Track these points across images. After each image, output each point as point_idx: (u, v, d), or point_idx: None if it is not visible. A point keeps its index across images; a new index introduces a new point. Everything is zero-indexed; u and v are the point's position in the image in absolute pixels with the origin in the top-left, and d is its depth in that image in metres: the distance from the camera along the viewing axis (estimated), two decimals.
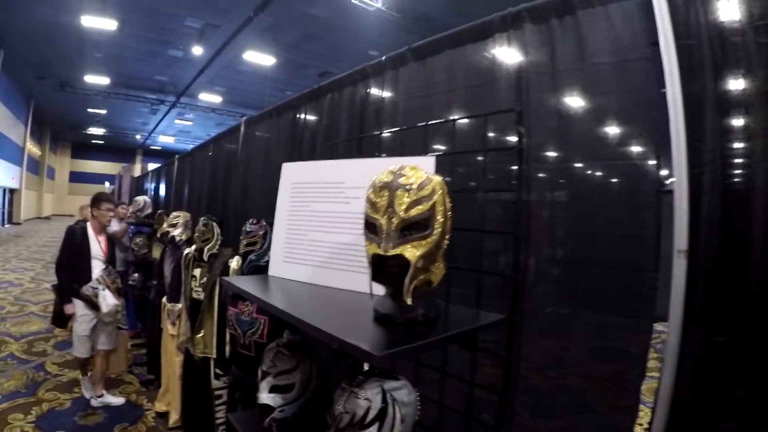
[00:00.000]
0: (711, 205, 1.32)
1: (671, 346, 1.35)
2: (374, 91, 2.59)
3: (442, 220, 1.11)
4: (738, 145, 1.30)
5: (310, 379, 1.60)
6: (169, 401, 3.91)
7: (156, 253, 4.68)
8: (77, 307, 3.88)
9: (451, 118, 1.60)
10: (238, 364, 2.36)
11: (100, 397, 4.05)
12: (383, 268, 1.11)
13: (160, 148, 20.17)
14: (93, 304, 3.88)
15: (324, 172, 1.68)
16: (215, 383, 2.94)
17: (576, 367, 1.67)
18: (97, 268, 3.96)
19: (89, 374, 4.18)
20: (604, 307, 1.61)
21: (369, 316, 1.23)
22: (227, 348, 2.90)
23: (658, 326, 1.54)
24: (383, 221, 1.07)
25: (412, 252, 1.06)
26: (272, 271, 1.72)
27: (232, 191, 4.24)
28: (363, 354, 1.02)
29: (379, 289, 1.23)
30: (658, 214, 1.45)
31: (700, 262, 1.33)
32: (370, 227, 1.12)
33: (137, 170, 16.54)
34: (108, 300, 3.92)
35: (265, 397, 1.54)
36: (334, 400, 1.27)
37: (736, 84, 1.30)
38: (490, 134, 1.65)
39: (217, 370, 2.93)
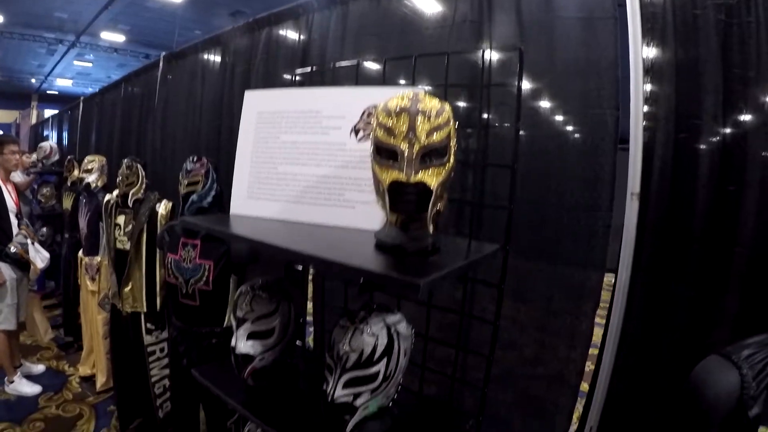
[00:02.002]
0: (662, 156, 1.49)
1: (621, 281, 1.51)
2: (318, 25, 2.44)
3: (454, 149, 1.07)
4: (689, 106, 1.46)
5: (289, 322, 1.44)
6: (94, 363, 3.61)
7: (66, 203, 4.20)
8: (5, 273, 3.34)
9: (447, 51, 1.47)
10: (180, 316, 2.13)
11: (12, 383, 3.57)
12: (402, 196, 1.02)
13: (57, 92, 18.43)
14: (23, 264, 3.40)
15: (296, 101, 1.49)
16: (147, 339, 2.69)
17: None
18: (14, 222, 3.45)
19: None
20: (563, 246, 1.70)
21: (369, 249, 1.12)
22: (158, 301, 2.67)
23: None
24: (404, 147, 1.00)
25: (432, 179, 1.00)
26: (234, 209, 1.51)
27: (150, 134, 3.85)
28: (404, 283, 0.92)
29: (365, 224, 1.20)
30: (614, 162, 1.57)
31: (651, 204, 1.50)
32: (387, 153, 1.03)
33: (33, 117, 15.02)
34: (42, 254, 3.48)
35: (243, 345, 1.37)
36: (335, 339, 1.20)
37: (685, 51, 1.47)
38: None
39: (149, 325, 2.69)
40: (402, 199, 1.02)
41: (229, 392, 1.48)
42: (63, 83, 17.42)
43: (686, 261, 1.47)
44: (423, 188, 0.99)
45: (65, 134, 7.02)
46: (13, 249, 3.33)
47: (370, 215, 1.27)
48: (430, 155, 1.01)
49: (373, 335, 1.17)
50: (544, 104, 1.78)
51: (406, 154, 0.99)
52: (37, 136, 9.93)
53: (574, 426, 1.73)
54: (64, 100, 9.08)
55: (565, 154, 1.71)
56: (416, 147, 0.99)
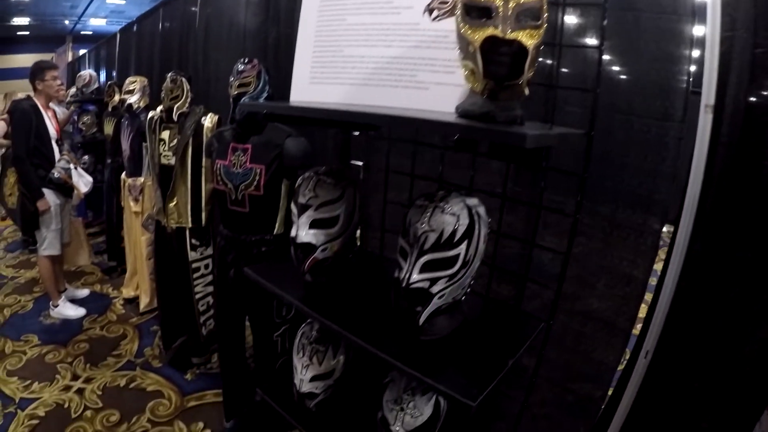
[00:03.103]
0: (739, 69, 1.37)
1: (691, 196, 1.40)
2: None
3: (546, 14, 0.94)
4: None
5: (354, 211, 1.34)
6: (138, 285, 3.65)
7: (108, 129, 4.18)
8: (48, 199, 3.32)
9: None
10: (228, 224, 2.08)
11: (57, 307, 3.65)
12: (496, 56, 0.90)
13: (91, 32, 18.30)
14: (66, 189, 3.39)
15: None
16: (192, 255, 2.67)
17: None
18: (56, 148, 3.42)
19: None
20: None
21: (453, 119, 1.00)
22: (203, 216, 2.63)
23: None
24: (499, 2, 0.89)
25: (527, 39, 0.88)
26: (296, 95, 1.40)
27: (191, 52, 3.74)
28: (509, 135, 0.85)
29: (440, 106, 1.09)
30: (689, 70, 1.47)
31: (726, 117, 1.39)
32: (478, 12, 0.91)
33: (69, 55, 15.07)
34: (85, 178, 3.45)
35: (305, 234, 1.28)
36: (411, 220, 1.10)
37: None
38: None
39: (194, 241, 2.66)
40: (495, 60, 0.90)
41: (285, 288, 1.42)
42: (97, 23, 17.30)
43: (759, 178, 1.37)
44: (518, 48, 0.87)
45: (103, 68, 6.97)
46: (56, 174, 3.31)
47: (445, 97, 1.15)
48: (525, 14, 0.89)
49: (454, 215, 1.07)
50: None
51: (501, 10, 0.88)
52: (74, 73, 9.95)
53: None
54: (98, 40, 8.97)
55: (638, 57, 1.57)
56: (511, 3, 0.88)
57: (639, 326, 1.64)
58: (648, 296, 1.61)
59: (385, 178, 1.55)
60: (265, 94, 1.97)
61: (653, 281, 1.60)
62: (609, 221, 1.67)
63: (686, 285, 1.47)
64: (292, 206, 1.33)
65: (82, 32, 18.78)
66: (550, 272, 1.45)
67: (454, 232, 1.06)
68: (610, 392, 1.75)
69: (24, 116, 3.24)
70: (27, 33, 19.29)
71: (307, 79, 1.41)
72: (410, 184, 1.49)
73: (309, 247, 1.28)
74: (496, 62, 0.91)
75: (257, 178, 1.93)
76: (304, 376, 1.49)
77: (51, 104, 3.58)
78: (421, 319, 1.09)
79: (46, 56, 18.54)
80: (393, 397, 1.32)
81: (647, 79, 1.53)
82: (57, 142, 3.45)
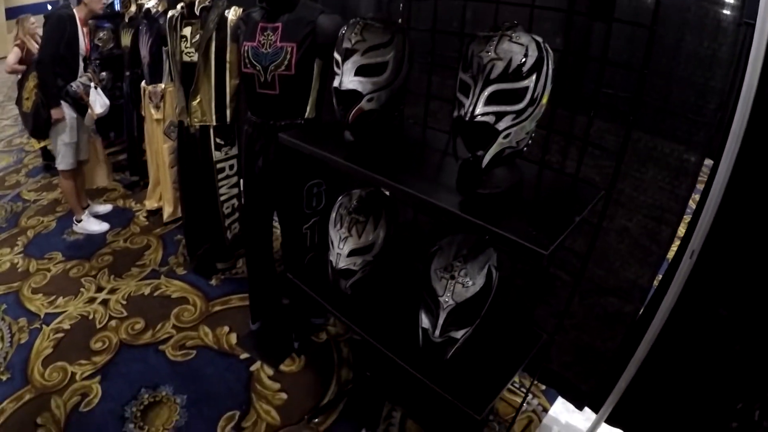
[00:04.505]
0: None
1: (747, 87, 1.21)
2: None
3: None
4: None
5: (403, 60, 1.22)
6: (161, 195, 3.60)
7: (125, 40, 4.02)
8: (65, 110, 3.26)
9: None
10: (256, 109, 1.97)
11: (80, 222, 3.65)
12: None
13: None
14: (80, 106, 3.30)
15: None
16: (216, 155, 2.60)
17: None
18: (81, 65, 3.31)
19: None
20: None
21: None
22: (228, 113, 2.52)
23: None
24: None
25: None
26: None
27: None
28: None
29: None
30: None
31: None
32: None
33: None
34: (102, 99, 3.34)
35: (350, 81, 1.18)
36: (473, 52, 1.00)
37: None
38: None
39: (218, 140, 2.58)
40: None
41: (325, 149, 1.32)
42: None
43: None
44: None
45: None
46: (74, 87, 3.22)
47: None
48: None
49: (522, 45, 0.97)
50: None
51: None
52: None
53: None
54: None
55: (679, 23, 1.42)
56: None
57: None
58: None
59: (432, 35, 1.40)
60: None
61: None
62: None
63: (738, 183, 1.35)
64: (335, 54, 1.21)
65: None
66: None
67: (523, 62, 0.96)
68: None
69: (59, 23, 3.14)
70: None
71: None
72: (460, 41, 1.35)
73: (354, 95, 1.18)
74: None
75: (288, 57, 1.80)
76: (341, 249, 1.41)
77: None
78: (484, 162, 0.99)
79: None
80: (442, 265, 1.24)
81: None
82: (85, 59, 3.34)
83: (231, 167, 2.64)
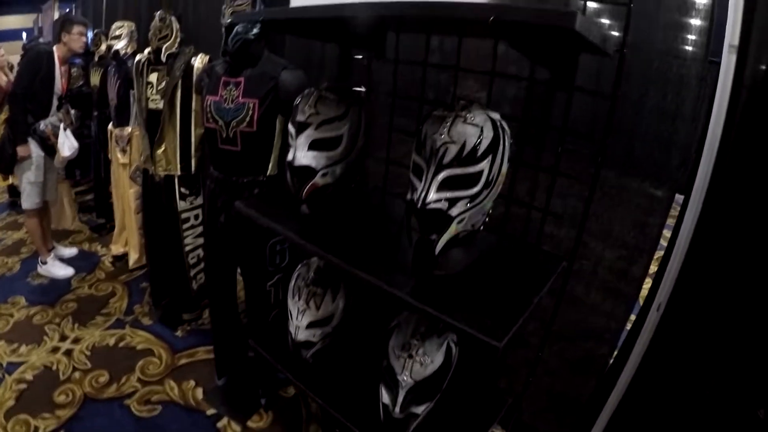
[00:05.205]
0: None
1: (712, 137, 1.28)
2: None
3: None
4: None
5: (358, 132, 1.19)
6: (126, 241, 3.51)
7: (95, 80, 3.98)
8: (32, 148, 3.16)
9: None
10: (218, 165, 1.92)
11: (45, 264, 3.53)
12: None
13: None
14: (47, 147, 3.21)
15: None
16: (181, 204, 2.53)
17: None
18: (55, 105, 3.24)
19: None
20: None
21: None
22: (193, 163, 2.47)
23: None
24: None
25: None
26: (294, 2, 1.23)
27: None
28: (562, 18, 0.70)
29: None
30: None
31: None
32: None
33: (56, 13, 14.63)
34: (70, 142, 3.25)
35: (303, 156, 1.12)
36: (427, 133, 0.96)
37: None
38: None
39: (183, 190, 2.51)
40: None
41: (280, 222, 1.28)
42: None
43: None
44: None
45: (90, 23, 6.67)
46: (42, 126, 3.15)
47: None
48: None
49: (477, 126, 0.93)
50: None
51: None
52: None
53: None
54: None
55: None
56: None
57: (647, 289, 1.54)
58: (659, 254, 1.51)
59: (392, 101, 1.39)
60: (259, 23, 1.79)
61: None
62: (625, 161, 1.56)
63: (703, 235, 1.35)
64: (289, 126, 1.17)
65: None
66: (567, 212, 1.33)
67: (477, 144, 0.92)
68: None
69: (36, 58, 3.11)
70: None
71: None
72: (419, 108, 1.33)
73: (308, 171, 1.13)
74: None
75: (250, 113, 1.77)
76: (300, 322, 1.36)
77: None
78: (438, 248, 0.95)
79: (31, 17, 18.03)
80: (400, 343, 1.19)
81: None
82: (60, 99, 3.29)
83: (196, 217, 2.57)
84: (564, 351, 1.75)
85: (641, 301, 1.58)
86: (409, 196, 0.97)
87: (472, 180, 0.94)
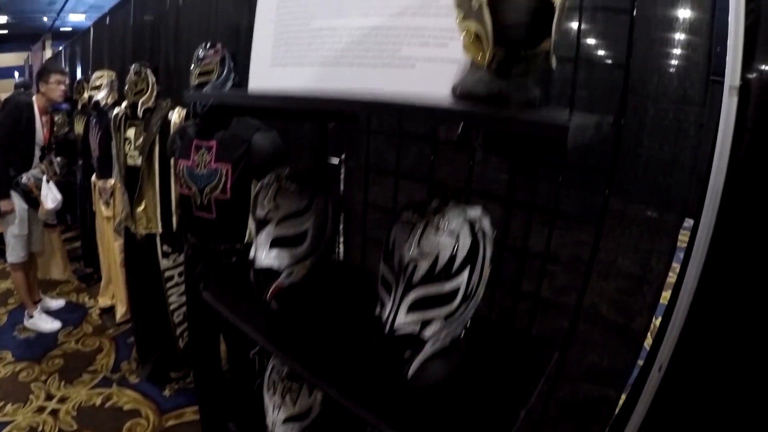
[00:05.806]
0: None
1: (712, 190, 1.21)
2: None
3: None
4: None
5: (325, 224, 1.09)
6: (113, 293, 3.43)
7: (78, 128, 3.93)
8: (15, 201, 3.11)
9: None
10: (195, 232, 1.84)
11: (32, 317, 3.45)
12: (510, 11, 0.62)
13: (71, 28, 17.71)
14: (31, 199, 3.15)
15: None
16: (164, 263, 2.45)
17: None
18: (37, 156, 3.21)
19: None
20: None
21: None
22: (174, 220, 2.39)
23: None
24: None
25: None
26: (255, 81, 1.15)
27: (163, 48, 3.49)
28: (541, 125, 0.57)
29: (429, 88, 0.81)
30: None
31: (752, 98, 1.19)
32: None
33: (48, 52, 14.78)
34: (53, 194, 3.19)
35: (265, 256, 1.03)
36: (395, 242, 0.84)
37: None
38: None
39: (165, 248, 2.44)
40: (509, 17, 0.62)
41: (249, 318, 1.19)
42: (76, 18, 16.92)
43: None
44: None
45: (79, 64, 6.68)
46: (24, 179, 3.10)
47: (435, 77, 0.90)
48: None
49: (452, 235, 0.81)
50: None
51: None
52: None
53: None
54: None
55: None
56: None
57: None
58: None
59: (365, 179, 1.30)
60: (230, 83, 1.72)
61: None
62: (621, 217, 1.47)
63: (707, 289, 1.26)
64: (250, 220, 1.09)
65: (62, 29, 18.44)
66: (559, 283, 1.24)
67: (452, 258, 0.80)
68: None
69: (15, 109, 3.09)
70: (5, 32, 18.86)
71: (268, 61, 1.17)
72: (395, 185, 1.25)
73: (270, 273, 1.04)
74: (510, 21, 0.63)
75: (223, 179, 1.70)
76: (276, 417, 1.26)
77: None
78: (411, 371, 0.85)
79: (23, 55, 18.14)
80: None
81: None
82: (43, 149, 3.25)
83: (180, 275, 2.49)
84: (569, 394, 1.65)
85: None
86: (377, 311, 0.87)
87: (447, 298, 0.82)
